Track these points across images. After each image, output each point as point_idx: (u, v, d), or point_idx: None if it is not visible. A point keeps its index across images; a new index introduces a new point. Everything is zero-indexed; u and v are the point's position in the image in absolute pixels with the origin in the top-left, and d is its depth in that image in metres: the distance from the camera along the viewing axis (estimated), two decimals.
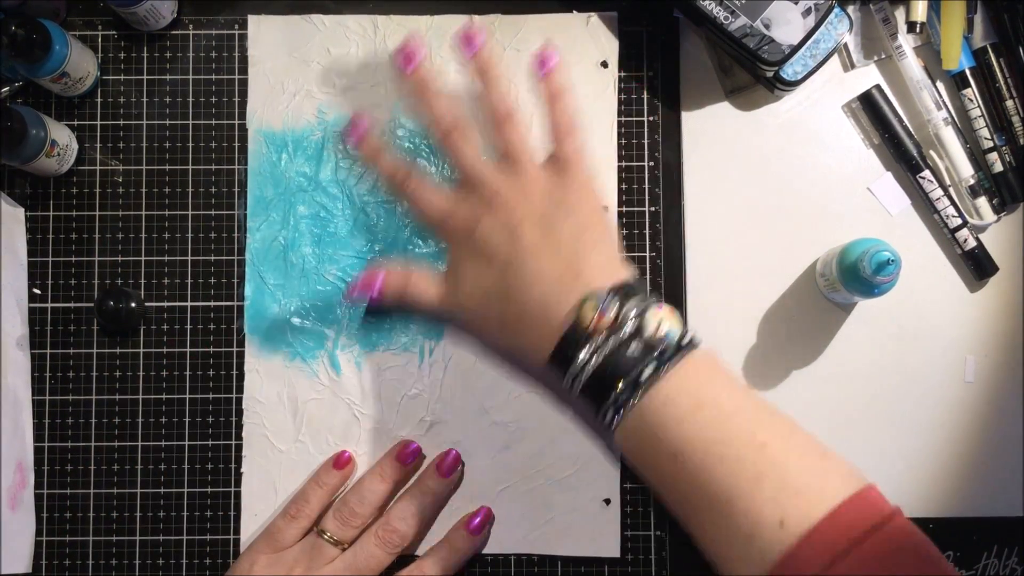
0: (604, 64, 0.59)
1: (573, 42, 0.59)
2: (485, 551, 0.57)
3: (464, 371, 0.57)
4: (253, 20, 0.59)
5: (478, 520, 0.55)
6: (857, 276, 0.51)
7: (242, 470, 0.57)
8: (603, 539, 0.57)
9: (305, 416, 0.57)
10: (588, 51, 0.59)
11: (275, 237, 0.58)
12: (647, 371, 0.43)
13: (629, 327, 0.44)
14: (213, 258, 0.58)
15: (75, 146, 0.58)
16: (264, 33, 0.59)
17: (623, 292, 0.45)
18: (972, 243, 0.57)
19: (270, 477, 0.57)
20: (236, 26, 0.59)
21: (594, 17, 0.59)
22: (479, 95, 0.51)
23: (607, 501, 0.57)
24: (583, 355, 0.44)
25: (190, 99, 0.59)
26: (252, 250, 0.58)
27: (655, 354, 0.44)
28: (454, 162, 0.51)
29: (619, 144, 0.58)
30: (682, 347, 0.44)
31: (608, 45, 0.59)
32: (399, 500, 0.55)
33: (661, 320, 0.44)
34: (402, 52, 0.51)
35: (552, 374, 0.47)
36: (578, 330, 0.45)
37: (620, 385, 0.43)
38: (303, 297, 0.58)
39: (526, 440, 0.57)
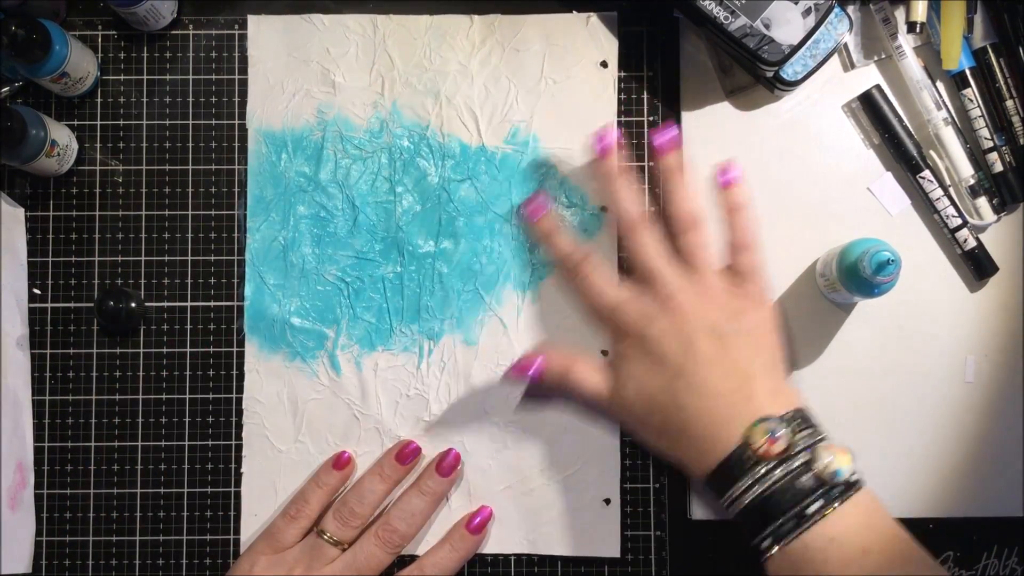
0: (604, 64, 0.59)
1: (573, 42, 0.59)
2: (485, 551, 0.57)
3: (464, 371, 0.57)
4: (253, 20, 0.59)
5: (478, 520, 0.55)
6: (857, 276, 0.51)
7: (242, 470, 0.57)
8: (603, 539, 0.57)
9: (305, 416, 0.57)
10: (588, 51, 0.59)
11: (275, 237, 0.58)
12: (814, 506, 0.42)
13: (800, 458, 0.43)
14: (213, 258, 0.58)
15: (75, 146, 0.58)
16: (264, 33, 0.59)
17: (796, 421, 0.45)
18: (972, 243, 0.57)
19: (270, 477, 0.57)
20: (236, 26, 0.59)
21: (594, 17, 0.59)
22: (664, 196, 0.51)
23: (607, 501, 0.57)
24: (747, 479, 0.44)
25: (190, 99, 0.59)
26: (252, 250, 0.58)
27: (824, 490, 0.43)
28: (633, 256, 0.50)
29: (619, 144, 0.58)
30: (851, 485, 0.43)
31: (608, 45, 0.59)
32: (399, 500, 0.55)
33: (834, 455, 0.44)
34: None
35: (709, 492, 0.46)
36: (746, 453, 0.44)
37: (784, 517, 0.43)
38: (303, 297, 0.58)
39: (526, 440, 0.57)
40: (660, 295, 0.49)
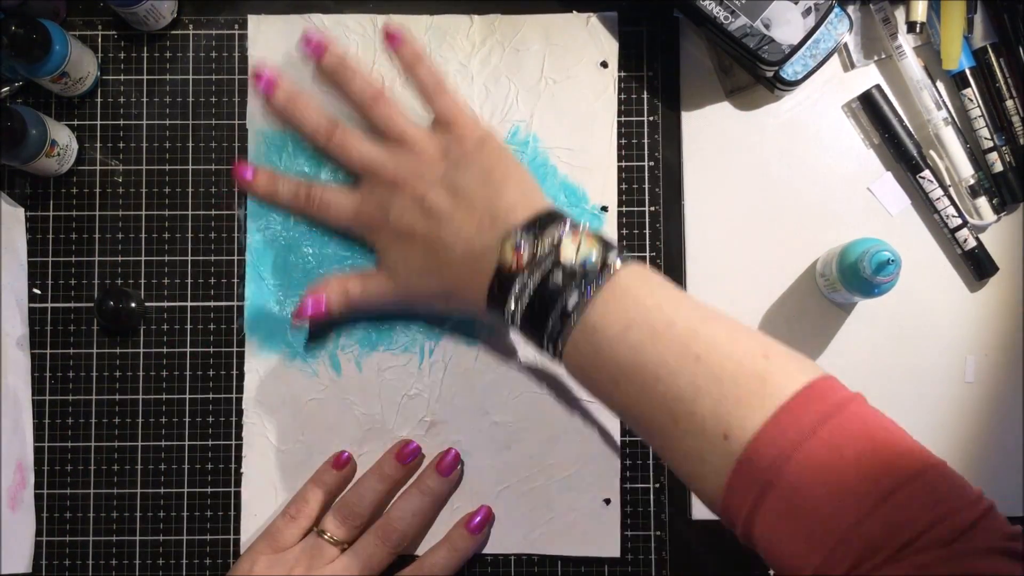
0: (604, 64, 0.59)
1: (573, 42, 0.59)
2: (485, 551, 0.57)
3: (464, 371, 0.57)
4: (253, 20, 0.59)
5: (478, 519, 0.55)
6: (857, 276, 0.51)
7: (242, 470, 0.57)
8: (603, 539, 0.57)
9: (305, 416, 0.57)
10: (588, 51, 0.59)
11: (275, 237, 0.58)
12: (571, 300, 0.42)
13: (549, 259, 0.43)
14: (213, 258, 0.58)
15: (75, 146, 0.58)
16: (264, 33, 0.59)
17: (537, 224, 0.45)
18: (972, 243, 0.57)
19: (270, 477, 0.57)
20: (236, 26, 0.59)
21: (594, 17, 0.59)
22: (343, 90, 0.52)
23: (607, 501, 0.57)
24: (511, 297, 0.44)
25: (190, 99, 0.59)
26: (252, 250, 0.58)
27: (576, 281, 0.43)
28: (344, 161, 0.51)
29: (619, 144, 0.58)
30: (605, 268, 0.43)
31: (608, 45, 0.59)
32: (399, 499, 0.55)
33: (579, 246, 0.43)
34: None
35: (496, 321, 0.47)
36: (502, 273, 0.45)
37: (551, 318, 0.43)
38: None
39: (526, 440, 0.57)
40: (384, 180, 0.50)
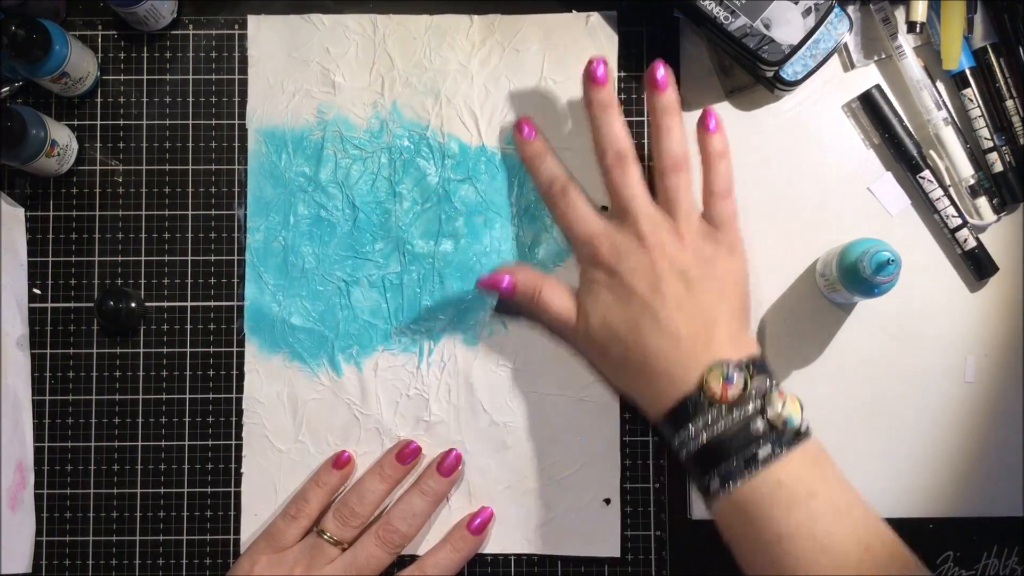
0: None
1: (573, 42, 0.59)
2: (485, 551, 0.57)
3: (464, 371, 0.57)
4: (253, 20, 0.59)
5: (479, 521, 0.55)
6: (857, 276, 0.51)
7: (242, 470, 0.57)
8: (603, 539, 0.57)
9: (305, 416, 0.57)
10: (588, 51, 0.59)
11: (275, 237, 0.58)
12: (764, 451, 0.43)
13: (753, 404, 0.44)
14: (213, 258, 0.58)
15: (75, 146, 0.58)
16: (264, 33, 0.59)
17: (752, 368, 0.45)
18: (972, 243, 0.57)
19: (270, 477, 0.57)
20: (236, 26, 0.59)
21: (594, 17, 0.59)
22: (654, 134, 0.52)
23: (607, 501, 0.57)
24: (701, 421, 0.44)
25: (190, 99, 0.59)
26: (252, 250, 0.58)
27: (774, 436, 0.44)
28: (614, 191, 0.51)
29: None
30: (800, 434, 0.44)
31: (608, 45, 0.59)
32: (399, 500, 0.55)
33: (785, 403, 0.45)
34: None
35: (663, 430, 0.47)
36: (701, 396, 0.45)
37: (735, 459, 0.44)
38: (303, 297, 0.58)
39: (526, 440, 0.57)
40: (636, 232, 0.49)
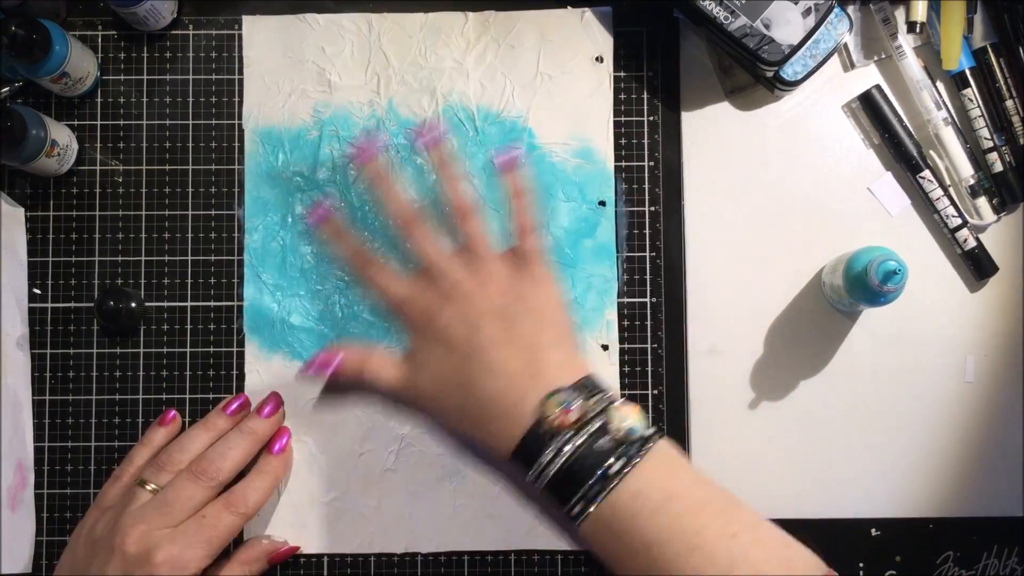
0: (599, 59, 0.59)
1: (568, 38, 0.59)
2: (485, 548, 0.57)
3: None
4: (248, 21, 0.59)
5: (282, 442, 0.55)
6: (863, 286, 0.51)
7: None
8: None
9: (305, 416, 0.57)
10: (583, 46, 0.59)
11: (274, 237, 0.58)
12: (616, 466, 0.44)
13: (596, 423, 0.44)
14: (213, 258, 0.58)
15: (75, 146, 0.58)
16: (259, 34, 0.59)
17: (586, 389, 0.46)
18: (972, 243, 0.57)
19: None
20: (235, 26, 0.59)
21: (588, 12, 0.59)
22: (440, 187, 0.52)
23: None
24: (549, 452, 0.44)
25: (190, 99, 0.59)
26: (251, 250, 0.58)
27: (622, 449, 0.44)
28: (413, 253, 0.51)
29: (619, 144, 0.58)
30: (647, 440, 0.45)
31: (603, 40, 0.59)
32: (217, 441, 0.54)
33: (625, 415, 0.45)
34: (358, 149, 0.53)
35: (515, 468, 0.47)
36: (543, 427, 0.45)
37: (590, 480, 0.44)
38: (302, 297, 0.58)
39: None
40: (442, 287, 0.50)
